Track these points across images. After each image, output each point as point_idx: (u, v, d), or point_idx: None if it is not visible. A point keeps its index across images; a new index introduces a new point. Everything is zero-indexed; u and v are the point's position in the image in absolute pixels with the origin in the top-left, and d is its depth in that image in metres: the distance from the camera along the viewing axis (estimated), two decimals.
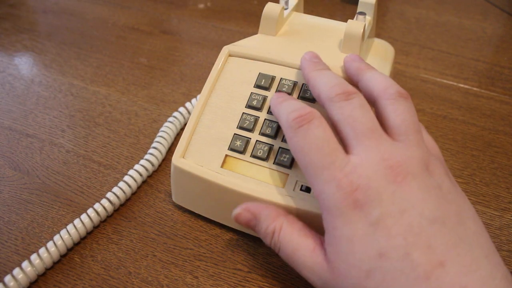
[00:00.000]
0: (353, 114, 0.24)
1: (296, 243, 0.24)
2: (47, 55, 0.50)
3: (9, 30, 0.55)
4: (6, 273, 0.28)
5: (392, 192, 0.22)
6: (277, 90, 0.31)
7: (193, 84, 0.46)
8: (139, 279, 0.28)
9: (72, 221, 0.31)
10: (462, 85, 0.46)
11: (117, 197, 0.32)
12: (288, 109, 0.25)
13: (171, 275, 0.29)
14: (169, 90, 0.45)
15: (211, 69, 0.32)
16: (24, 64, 0.49)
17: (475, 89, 0.46)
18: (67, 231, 0.30)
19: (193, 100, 0.40)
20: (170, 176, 0.35)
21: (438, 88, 0.46)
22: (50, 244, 0.29)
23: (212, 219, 0.31)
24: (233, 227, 0.31)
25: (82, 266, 0.29)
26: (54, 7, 0.60)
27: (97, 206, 0.31)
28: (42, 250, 0.28)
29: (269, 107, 0.30)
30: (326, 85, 0.26)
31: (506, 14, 0.60)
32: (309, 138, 0.24)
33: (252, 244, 0.30)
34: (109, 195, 0.32)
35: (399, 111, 0.24)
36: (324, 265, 0.23)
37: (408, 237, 0.21)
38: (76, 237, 0.30)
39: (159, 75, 0.47)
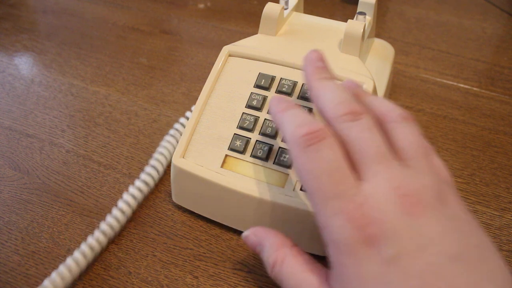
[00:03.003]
0: (361, 136, 0.22)
1: (299, 279, 0.23)
2: (47, 55, 0.50)
3: (9, 30, 0.55)
4: (6, 273, 0.28)
5: (409, 226, 0.19)
6: (277, 90, 0.31)
7: (193, 84, 0.46)
8: (139, 279, 0.28)
9: (72, 221, 0.31)
10: (462, 85, 0.46)
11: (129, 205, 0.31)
12: (295, 121, 0.23)
13: (171, 275, 0.29)
14: (169, 90, 0.45)
15: (211, 69, 0.32)
16: (24, 64, 0.49)
17: (475, 89, 0.46)
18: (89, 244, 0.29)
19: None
20: (170, 176, 0.35)
21: (438, 88, 0.46)
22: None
23: (212, 219, 0.31)
24: (233, 227, 0.31)
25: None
26: (54, 7, 0.60)
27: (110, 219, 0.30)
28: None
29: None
30: (331, 101, 0.23)
31: (506, 14, 0.60)
32: (320, 161, 0.21)
33: None
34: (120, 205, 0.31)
35: (404, 134, 0.23)
36: None
37: (426, 278, 0.19)
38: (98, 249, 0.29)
39: (159, 75, 0.47)
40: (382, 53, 0.38)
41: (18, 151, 0.38)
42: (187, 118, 0.36)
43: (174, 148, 0.34)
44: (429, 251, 0.19)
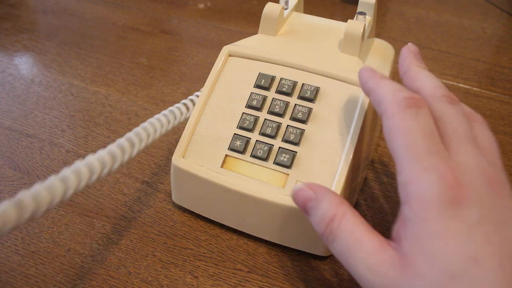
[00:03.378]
0: (457, 118, 0.23)
1: (358, 236, 0.22)
2: (47, 55, 0.50)
3: (9, 30, 0.55)
4: (6, 273, 0.28)
5: (493, 201, 0.21)
6: (277, 91, 0.31)
7: (193, 84, 0.46)
8: (139, 279, 0.28)
9: (72, 221, 0.30)
10: (462, 85, 0.46)
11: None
12: (395, 87, 0.24)
13: (171, 275, 0.29)
14: (169, 90, 0.45)
15: (211, 69, 0.32)
16: (24, 64, 0.49)
17: (475, 89, 0.46)
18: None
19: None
20: (170, 176, 0.35)
21: None
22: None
23: (212, 219, 0.31)
24: (233, 227, 0.31)
25: (82, 266, 0.29)
26: (54, 7, 0.60)
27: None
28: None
29: (269, 106, 0.30)
30: (432, 83, 0.25)
31: (506, 14, 0.60)
32: (419, 121, 0.22)
33: (252, 244, 0.30)
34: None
35: (481, 131, 0.25)
36: (394, 262, 0.21)
37: (504, 250, 0.19)
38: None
39: (159, 75, 0.47)
40: (382, 53, 0.38)
41: (18, 151, 0.38)
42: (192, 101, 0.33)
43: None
44: (507, 226, 0.20)
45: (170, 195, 0.34)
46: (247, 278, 0.28)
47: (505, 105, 0.44)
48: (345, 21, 0.33)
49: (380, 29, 0.56)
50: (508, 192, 0.22)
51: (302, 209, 0.25)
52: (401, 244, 0.21)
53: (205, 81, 0.32)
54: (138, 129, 0.27)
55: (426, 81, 0.25)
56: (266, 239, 0.30)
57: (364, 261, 0.21)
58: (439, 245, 0.20)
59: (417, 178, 0.21)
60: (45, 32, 0.55)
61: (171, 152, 0.37)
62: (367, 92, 0.26)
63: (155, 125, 0.28)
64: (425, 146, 0.21)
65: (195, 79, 0.46)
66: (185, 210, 0.33)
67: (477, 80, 0.47)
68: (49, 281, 0.28)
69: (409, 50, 0.28)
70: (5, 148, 0.38)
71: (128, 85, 0.46)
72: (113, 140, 0.25)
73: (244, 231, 0.31)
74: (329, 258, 0.30)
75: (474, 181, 0.21)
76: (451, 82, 0.47)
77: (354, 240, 0.22)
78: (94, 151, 0.38)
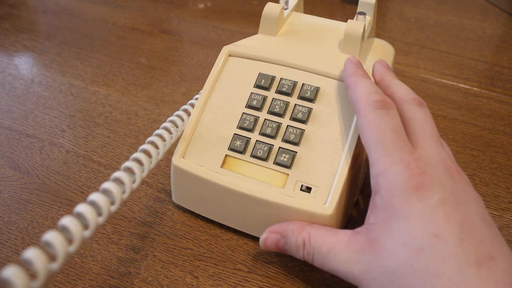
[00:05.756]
0: (425, 118, 0.26)
1: (328, 242, 0.25)
2: (47, 55, 0.50)
3: (9, 30, 0.55)
4: None
5: (452, 186, 0.23)
6: (277, 91, 0.31)
7: (193, 84, 0.46)
8: (139, 279, 0.28)
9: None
10: (462, 85, 0.46)
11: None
12: (370, 88, 0.27)
13: (171, 275, 0.29)
14: (169, 90, 0.45)
15: (211, 69, 0.32)
16: (24, 64, 0.49)
17: (475, 89, 0.46)
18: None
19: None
20: (170, 176, 0.35)
21: (438, 88, 0.46)
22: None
23: (212, 219, 0.31)
24: (233, 227, 0.31)
25: (82, 266, 0.29)
26: (54, 7, 0.60)
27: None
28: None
29: (269, 106, 0.30)
30: (403, 89, 0.28)
31: (506, 14, 0.60)
32: (387, 120, 0.25)
33: (252, 244, 0.30)
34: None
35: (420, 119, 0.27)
36: (364, 247, 0.24)
37: (463, 226, 0.22)
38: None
39: (159, 75, 0.47)
40: (382, 53, 0.38)
41: (18, 151, 0.38)
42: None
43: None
44: (465, 208, 0.23)
45: (170, 195, 0.34)
46: (247, 278, 0.29)
47: (505, 105, 0.44)
48: (345, 21, 0.32)
49: (380, 29, 0.56)
50: (466, 180, 0.25)
51: (277, 251, 0.28)
52: (371, 230, 0.24)
53: (205, 81, 0.32)
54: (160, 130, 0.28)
55: (398, 88, 0.28)
56: None
57: (340, 259, 0.24)
58: (405, 225, 0.22)
59: (386, 170, 0.24)
60: (45, 32, 0.55)
61: (170, 152, 0.37)
62: (346, 85, 0.29)
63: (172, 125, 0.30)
64: (393, 142, 0.24)
65: (195, 79, 0.46)
66: (185, 210, 0.33)
67: (477, 80, 0.47)
68: (49, 281, 0.28)
69: (381, 64, 0.31)
70: (5, 148, 0.38)
71: (128, 85, 0.46)
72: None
73: (244, 231, 0.31)
74: None
75: (435, 169, 0.24)
76: (451, 82, 0.47)
77: (326, 248, 0.25)
78: (94, 151, 0.38)
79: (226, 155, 0.29)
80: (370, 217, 0.24)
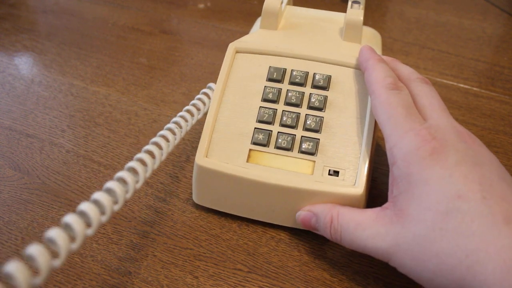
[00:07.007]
0: (432, 93, 0.28)
1: (356, 219, 0.26)
2: (47, 55, 0.50)
3: (9, 30, 0.55)
4: None
5: (465, 148, 0.24)
6: (290, 82, 0.31)
7: (193, 84, 0.46)
8: (139, 279, 0.28)
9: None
10: (462, 85, 0.46)
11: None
12: (385, 72, 0.29)
13: (171, 275, 0.29)
14: (169, 90, 0.45)
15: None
16: (24, 64, 0.49)
17: (475, 89, 0.46)
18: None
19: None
20: (169, 176, 0.35)
21: (438, 88, 0.46)
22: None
23: (240, 215, 0.31)
24: (261, 220, 0.31)
25: (82, 266, 0.29)
26: (54, 7, 0.60)
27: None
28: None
29: (285, 98, 0.31)
30: (408, 70, 0.30)
31: (506, 14, 0.60)
32: (400, 98, 0.27)
33: (252, 244, 0.30)
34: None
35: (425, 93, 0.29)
36: (392, 220, 0.24)
37: (483, 185, 0.22)
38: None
39: (159, 75, 0.47)
40: (372, 39, 0.39)
41: (18, 151, 0.38)
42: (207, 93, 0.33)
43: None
44: (482, 167, 0.23)
45: (170, 195, 0.34)
46: (247, 278, 0.29)
47: (505, 105, 0.44)
48: None
49: (380, 29, 0.56)
50: (478, 142, 0.26)
51: (310, 228, 0.29)
52: (396, 202, 0.24)
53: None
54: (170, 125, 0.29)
55: (404, 69, 0.31)
56: (296, 227, 0.30)
57: (368, 234, 0.25)
58: (426, 189, 0.23)
59: (399, 141, 0.25)
60: (45, 32, 0.55)
61: (170, 152, 0.37)
62: (363, 69, 0.30)
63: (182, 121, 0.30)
64: (404, 115, 0.26)
65: (195, 79, 0.46)
66: (185, 210, 0.33)
67: (477, 80, 0.47)
68: (49, 281, 0.28)
69: (366, 48, 0.32)
70: (5, 148, 0.38)
71: (128, 85, 0.46)
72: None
73: (273, 222, 0.31)
74: (329, 258, 0.30)
75: (446, 135, 0.25)
76: (451, 82, 0.47)
77: (354, 225, 0.26)
78: (94, 151, 0.38)
79: (250, 150, 0.30)
80: (393, 190, 0.25)
